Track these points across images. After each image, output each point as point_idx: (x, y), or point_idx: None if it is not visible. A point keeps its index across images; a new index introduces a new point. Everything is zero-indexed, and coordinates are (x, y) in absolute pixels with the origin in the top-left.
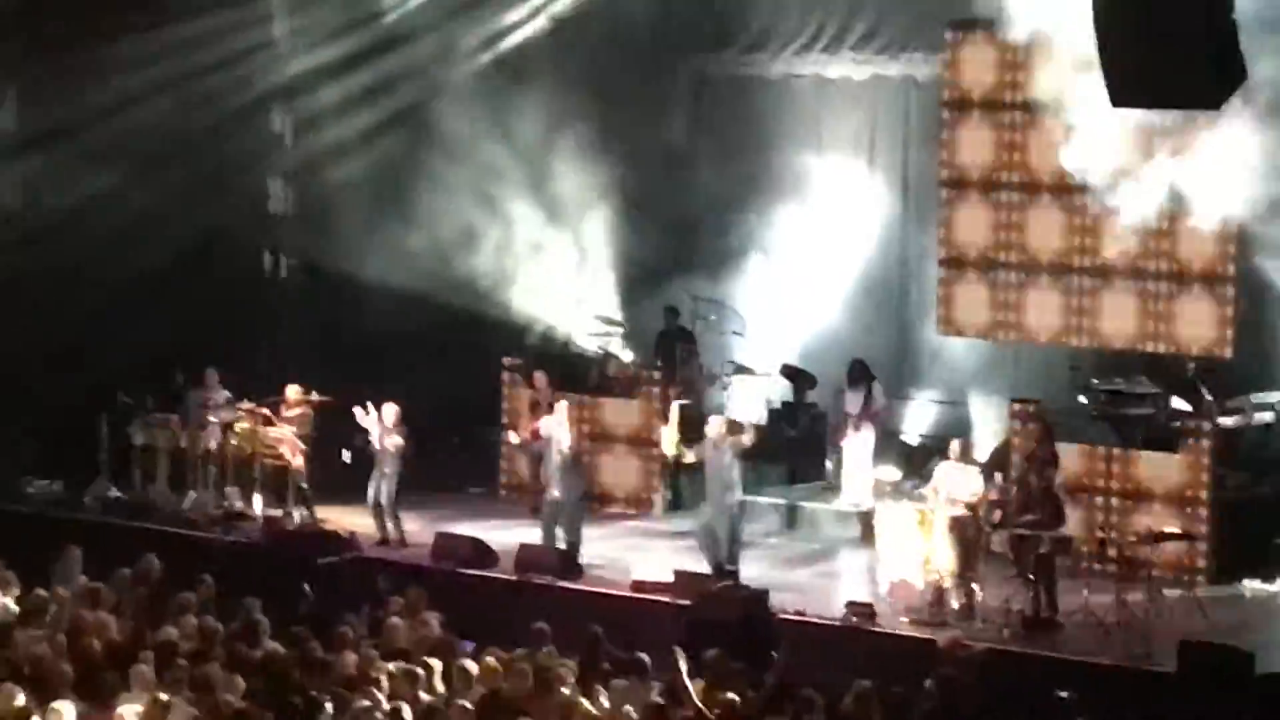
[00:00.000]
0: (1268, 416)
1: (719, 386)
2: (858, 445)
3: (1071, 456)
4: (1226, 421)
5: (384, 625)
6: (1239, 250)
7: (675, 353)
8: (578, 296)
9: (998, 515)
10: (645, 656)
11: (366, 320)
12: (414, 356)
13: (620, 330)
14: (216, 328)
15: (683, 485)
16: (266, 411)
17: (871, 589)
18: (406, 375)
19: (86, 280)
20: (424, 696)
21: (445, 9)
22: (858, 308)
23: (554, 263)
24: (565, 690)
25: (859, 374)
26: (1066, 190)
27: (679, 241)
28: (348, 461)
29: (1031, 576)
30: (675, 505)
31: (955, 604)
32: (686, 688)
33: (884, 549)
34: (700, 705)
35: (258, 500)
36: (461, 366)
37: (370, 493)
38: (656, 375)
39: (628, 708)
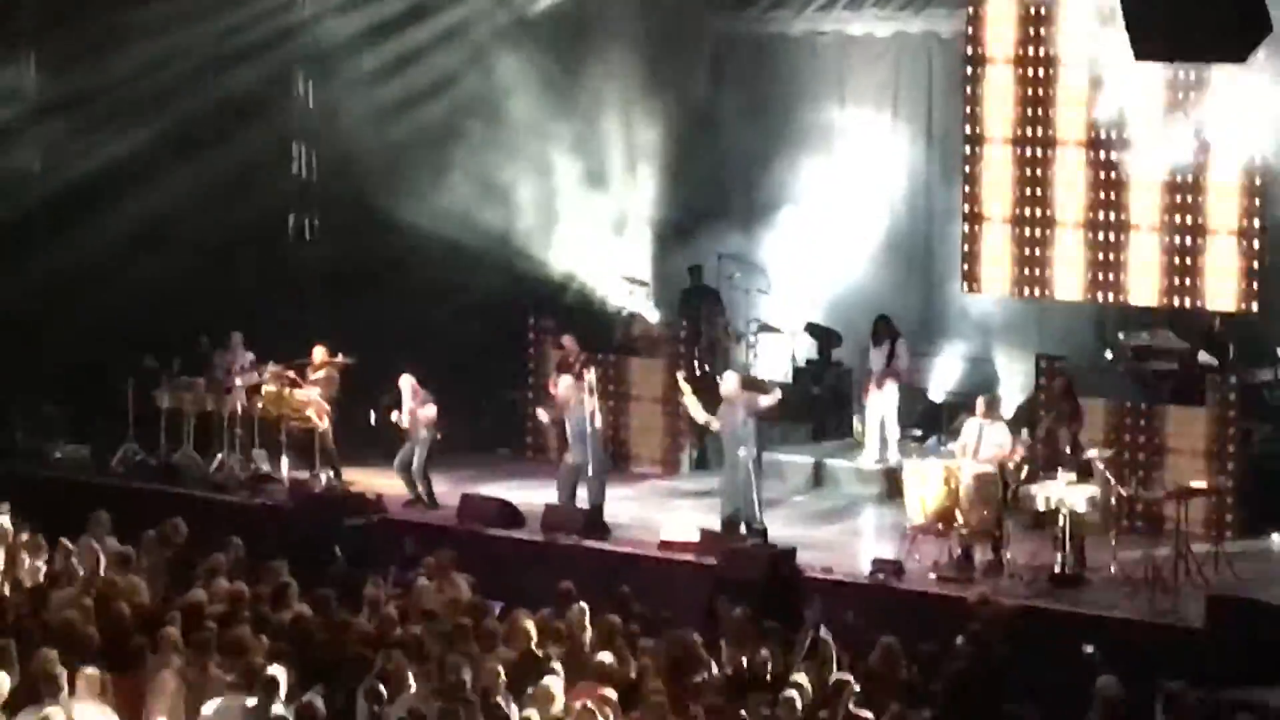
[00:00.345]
0: None
1: (744, 345)
2: (882, 402)
3: (1098, 412)
4: (1253, 376)
5: (411, 587)
6: (1264, 203)
7: (700, 311)
8: (604, 256)
9: (1025, 472)
10: (667, 615)
11: (393, 281)
12: (442, 317)
13: (646, 289)
14: (242, 291)
15: (709, 444)
16: (293, 374)
17: (898, 546)
18: (434, 336)
19: (109, 245)
20: (452, 658)
21: None
22: (883, 265)
23: (581, 223)
24: (594, 651)
25: (883, 331)
26: (1091, 145)
27: (705, 200)
28: (374, 424)
29: (1059, 533)
30: (701, 464)
31: (983, 561)
32: (719, 646)
33: (911, 506)
34: (729, 663)
35: (284, 463)
36: (490, 327)
37: (399, 457)
38: (682, 334)
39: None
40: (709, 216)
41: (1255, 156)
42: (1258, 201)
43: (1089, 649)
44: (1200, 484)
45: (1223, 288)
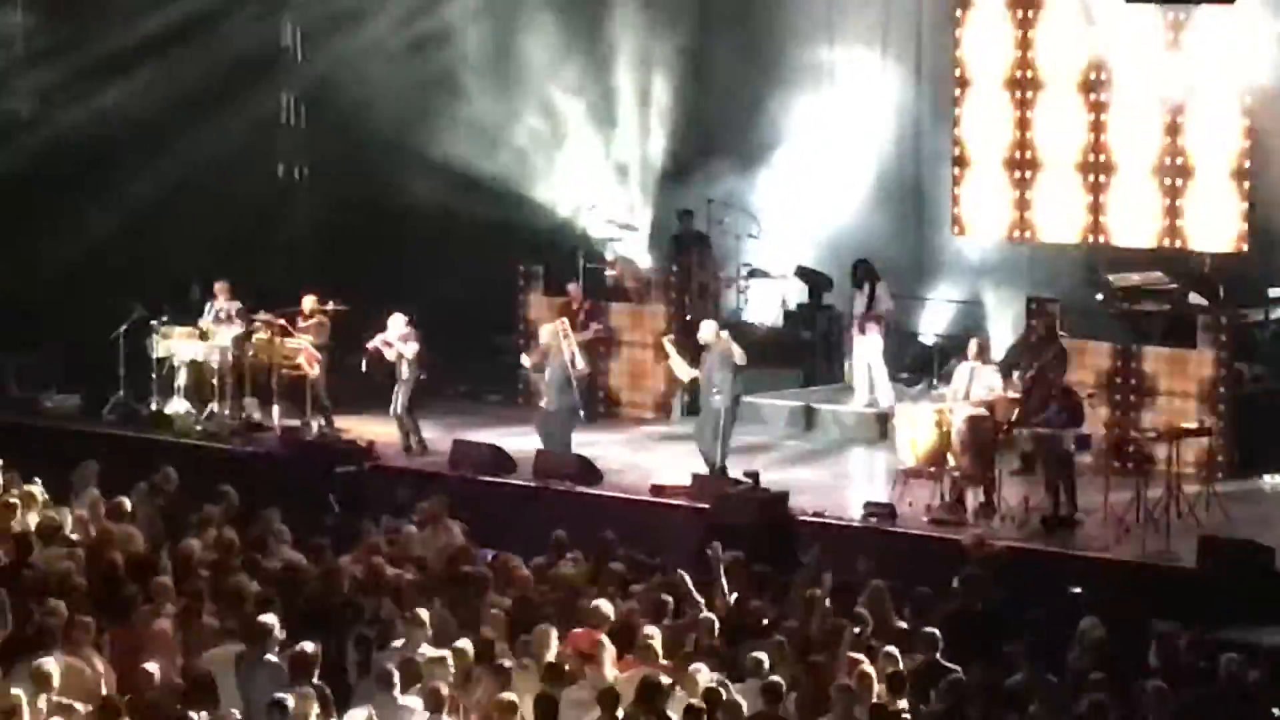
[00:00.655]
0: None
1: (735, 290)
2: (866, 346)
3: (1089, 353)
4: (1243, 316)
5: (401, 533)
6: (1254, 145)
7: (691, 257)
8: (594, 202)
9: (1016, 413)
10: (659, 560)
11: (382, 228)
12: (431, 263)
13: (634, 234)
14: (232, 239)
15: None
16: (283, 322)
17: (890, 490)
18: (424, 283)
19: (100, 192)
20: (440, 607)
21: None
22: (874, 207)
23: (571, 168)
24: (588, 597)
25: (862, 274)
26: (1081, 87)
27: (695, 144)
28: (365, 370)
29: (1051, 475)
30: (694, 409)
31: (975, 503)
32: (722, 590)
33: (903, 449)
34: (721, 608)
35: (275, 411)
36: (480, 273)
37: (394, 403)
38: (672, 279)
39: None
40: (699, 161)
41: (1244, 97)
42: (1247, 143)
43: (1076, 590)
44: (1191, 425)
45: (1212, 229)
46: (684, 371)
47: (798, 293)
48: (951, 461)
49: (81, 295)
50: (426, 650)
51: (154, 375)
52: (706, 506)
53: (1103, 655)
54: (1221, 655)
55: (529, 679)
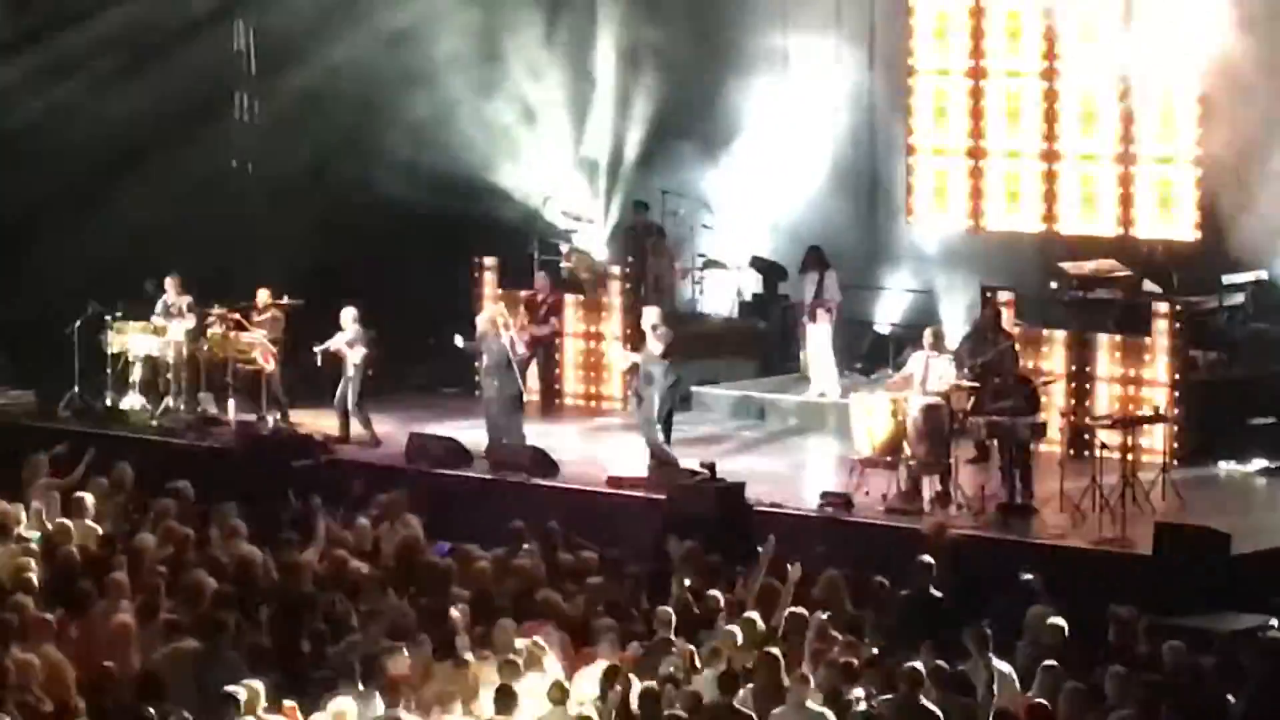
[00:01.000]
0: (1238, 298)
1: (690, 281)
2: (816, 335)
3: (1044, 341)
4: (1197, 304)
5: (354, 527)
6: (1205, 132)
7: (645, 247)
8: (549, 194)
9: (971, 402)
10: (601, 552)
11: (337, 221)
12: (388, 257)
13: (589, 225)
14: (185, 234)
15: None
16: (238, 316)
17: (846, 479)
18: (380, 276)
19: (51, 187)
20: (394, 599)
21: None
22: (829, 196)
23: (527, 161)
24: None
25: (811, 262)
26: (1033, 75)
27: (648, 134)
28: (320, 365)
29: (1006, 462)
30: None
31: (931, 492)
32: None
33: (859, 439)
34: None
35: (231, 405)
36: (436, 266)
37: (338, 394)
38: (627, 271)
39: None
40: (655, 151)
41: (1194, 86)
42: (1199, 130)
43: (1027, 576)
44: (1146, 412)
45: (1165, 216)
46: (621, 357)
47: (753, 283)
48: (907, 450)
49: (33, 291)
50: (384, 643)
51: (109, 370)
52: (663, 497)
53: (1056, 643)
54: (1165, 644)
55: (488, 671)
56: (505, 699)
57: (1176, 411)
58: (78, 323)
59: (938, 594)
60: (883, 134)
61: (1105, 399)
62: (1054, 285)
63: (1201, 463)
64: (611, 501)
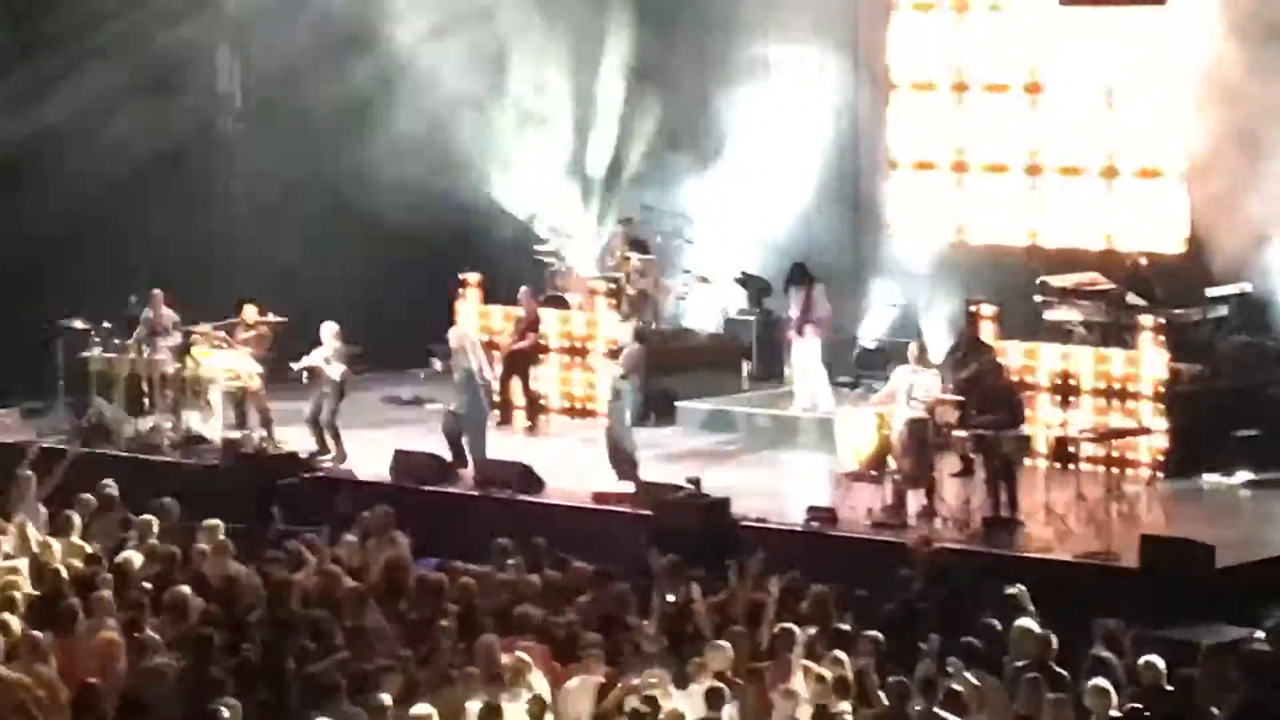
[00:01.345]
0: (1222, 310)
1: (675, 296)
2: (804, 350)
3: (1028, 355)
4: (1181, 316)
5: (339, 545)
6: (1187, 146)
7: (628, 262)
8: (535, 209)
9: (955, 416)
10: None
11: (321, 238)
12: (373, 272)
13: (574, 241)
14: (169, 251)
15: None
16: (223, 334)
17: (831, 493)
18: (365, 291)
19: (38, 205)
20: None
21: None
22: (814, 210)
23: (514, 176)
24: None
25: (797, 277)
26: (1016, 89)
27: (633, 150)
28: (305, 382)
29: (991, 476)
30: (643, 417)
31: (916, 506)
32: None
33: (844, 453)
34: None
35: (216, 423)
36: (422, 282)
37: (309, 409)
38: (612, 286)
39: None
40: (642, 167)
41: (1177, 99)
42: (1181, 143)
43: (1012, 590)
44: (1131, 425)
45: (1149, 229)
46: (604, 372)
47: (738, 297)
48: (892, 464)
49: (16, 308)
50: (375, 661)
51: (93, 387)
52: (649, 513)
53: (1041, 655)
54: (1139, 659)
55: (473, 688)
56: (491, 716)
57: (1161, 424)
58: (60, 338)
59: (923, 607)
60: (867, 147)
61: (1090, 411)
62: (1038, 299)
63: (1186, 475)
64: (597, 517)
